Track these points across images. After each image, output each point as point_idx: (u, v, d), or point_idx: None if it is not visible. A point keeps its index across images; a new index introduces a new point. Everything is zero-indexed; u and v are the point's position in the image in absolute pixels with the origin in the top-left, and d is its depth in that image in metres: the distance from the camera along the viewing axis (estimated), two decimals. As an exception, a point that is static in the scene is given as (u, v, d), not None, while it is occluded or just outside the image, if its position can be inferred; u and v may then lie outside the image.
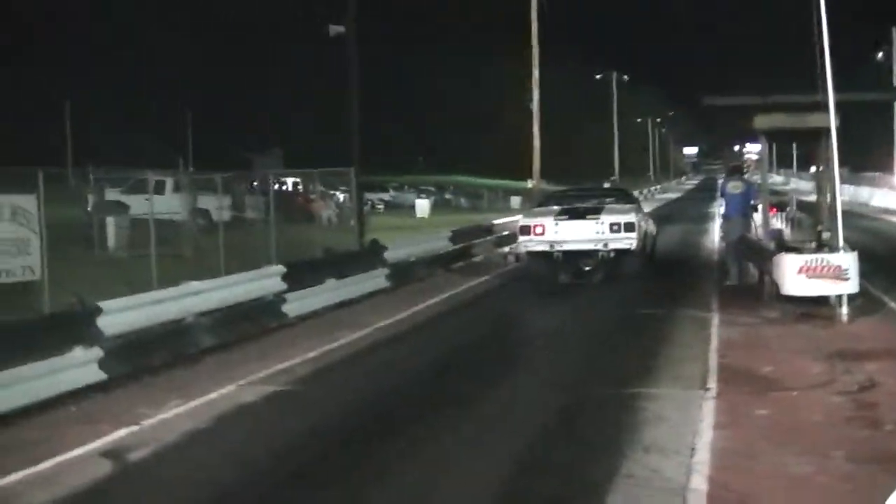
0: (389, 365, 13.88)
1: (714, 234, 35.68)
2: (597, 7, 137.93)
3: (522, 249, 22.23)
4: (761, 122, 17.30)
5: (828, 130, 15.62)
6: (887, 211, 40.18)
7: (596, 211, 21.68)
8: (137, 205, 23.99)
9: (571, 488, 7.88)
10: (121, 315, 13.01)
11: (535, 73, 44.49)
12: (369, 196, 50.66)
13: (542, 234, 21.18)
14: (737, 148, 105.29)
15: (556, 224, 21.22)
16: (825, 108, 15.05)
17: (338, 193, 41.93)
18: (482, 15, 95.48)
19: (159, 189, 25.97)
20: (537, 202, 25.32)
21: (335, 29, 26.65)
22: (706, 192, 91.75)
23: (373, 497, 7.98)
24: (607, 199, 23.38)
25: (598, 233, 20.98)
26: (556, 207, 22.42)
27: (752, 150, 59.81)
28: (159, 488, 8.54)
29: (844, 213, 16.56)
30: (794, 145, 52.68)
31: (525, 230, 21.64)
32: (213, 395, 11.55)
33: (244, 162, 52.04)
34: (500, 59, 73.90)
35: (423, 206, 59.84)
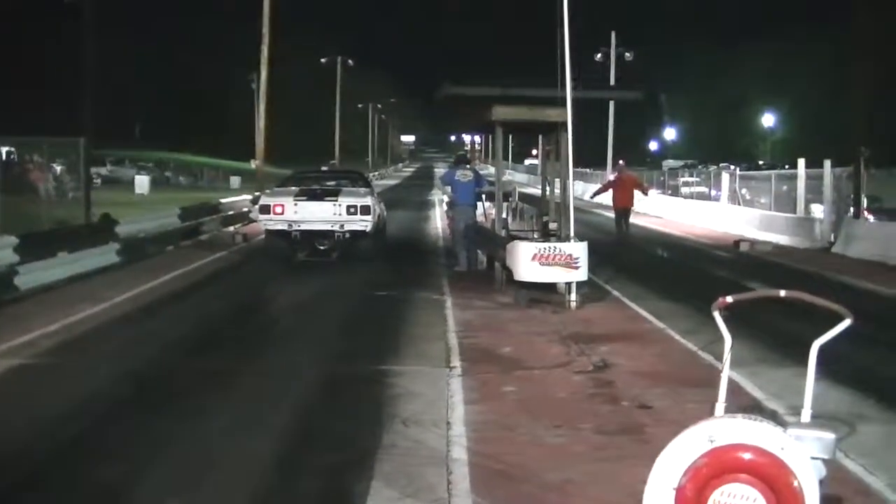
0: (138, 339, 13.67)
1: (437, 221, 36.75)
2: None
3: (262, 227, 22.43)
4: (500, 113, 17.87)
5: (564, 125, 16.50)
6: (599, 205, 42.45)
7: (334, 193, 22.10)
8: None
9: (343, 459, 8.13)
10: None
11: (264, 49, 44.07)
12: (86, 170, 48.81)
13: (282, 213, 21.42)
14: (453, 138, 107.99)
15: (296, 204, 21.50)
16: (562, 102, 15.86)
17: (55, 165, 40.38)
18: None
19: None
20: (279, 182, 25.60)
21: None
22: (425, 180, 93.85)
23: (145, 473, 7.87)
24: (344, 182, 23.88)
25: (335, 214, 21.45)
26: (295, 188, 22.70)
27: (475, 140, 61.50)
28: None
29: (561, 205, 17.57)
30: (511, 138, 54.34)
31: (265, 209, 21.78)
32: (-45, 369, 11.14)
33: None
34: (238, 35, 72.55)
35: (142, 182, 58.70)
